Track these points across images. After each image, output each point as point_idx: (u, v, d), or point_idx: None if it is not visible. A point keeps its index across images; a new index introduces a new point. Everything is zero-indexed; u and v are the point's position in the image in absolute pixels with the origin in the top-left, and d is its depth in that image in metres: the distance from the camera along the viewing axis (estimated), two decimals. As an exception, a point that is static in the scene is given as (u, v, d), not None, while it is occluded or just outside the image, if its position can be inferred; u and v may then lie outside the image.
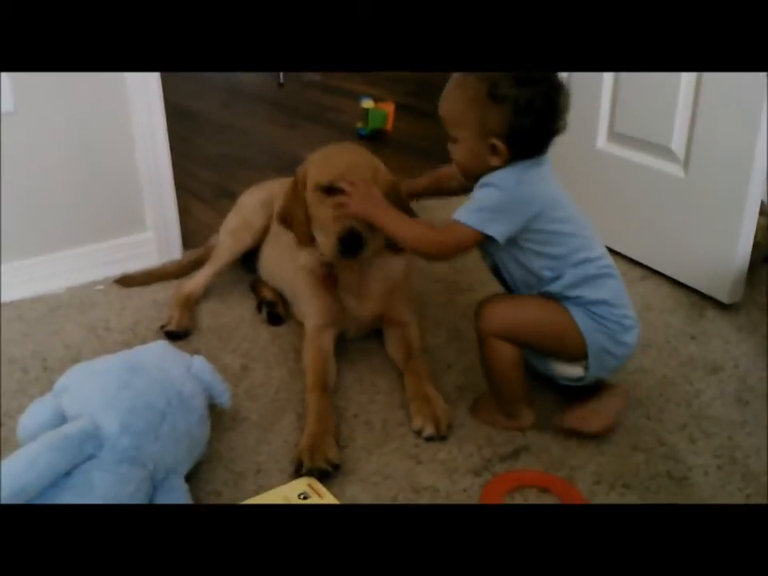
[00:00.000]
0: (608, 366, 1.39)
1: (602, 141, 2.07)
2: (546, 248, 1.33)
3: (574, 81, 2.12)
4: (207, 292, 1.90)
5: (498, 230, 1.30)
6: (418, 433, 1.40)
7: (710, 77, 1.74)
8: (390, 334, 1.65)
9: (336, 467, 1.30)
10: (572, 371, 1.40)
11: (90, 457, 1.11)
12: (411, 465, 1.34)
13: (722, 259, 1.80)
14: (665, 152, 1.89)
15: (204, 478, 1.31)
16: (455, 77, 1.36)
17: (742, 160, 1.70)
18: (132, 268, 2.03)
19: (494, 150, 1.31)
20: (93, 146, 1.94)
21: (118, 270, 2.00)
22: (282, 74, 4.37)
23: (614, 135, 2.04)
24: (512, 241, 1.33)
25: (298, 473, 1.29)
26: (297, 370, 1.60)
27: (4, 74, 1.74)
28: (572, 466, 1.33)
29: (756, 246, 1.81)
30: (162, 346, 1.35)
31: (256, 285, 1.92)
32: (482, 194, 1.32)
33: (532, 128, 1.30)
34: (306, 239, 1.56)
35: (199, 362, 1.34)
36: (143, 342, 1.65)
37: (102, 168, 1.97)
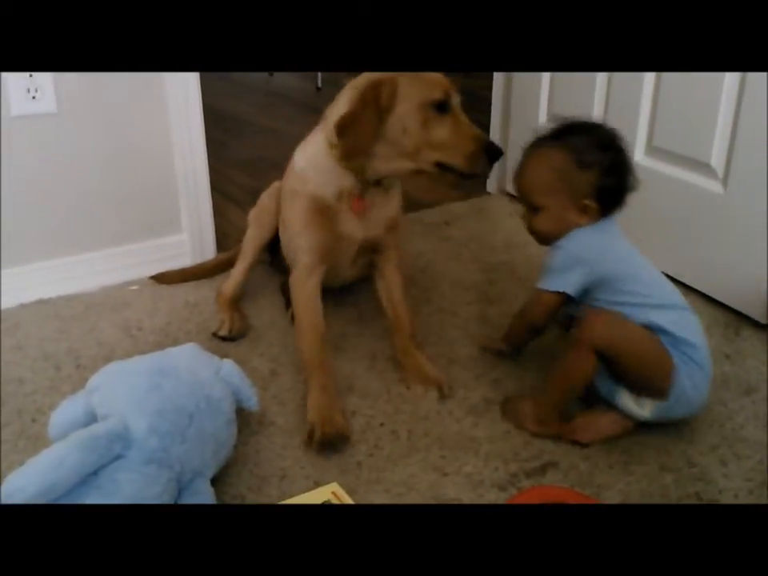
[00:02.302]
0: (674, 414, 1.40)
1: (639, 155, 2.04)
2: (627, 297, 1.39)
3: (613, 94, 2.11)
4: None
5: (567, 286, 1.42)
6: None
7: (751, 92, 1.71)
8: (378, 287, 1.74)
9: (346, 438, 1.40)
10: (637, 410, 1.40)
11: (118, 457, 1.12)
12: (436, 477, 1.33)
13: (759, 278, 1.77)
14: (704, 168, 1.86)
15: (229, 482, 1.31)
16: (531, 153, 1.48)
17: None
18: (166, 269, 2.05)
19: (585, 210, 1.42)
20: (131, 147, 1.97)
21: (152, 271, 2.03)
22: (320, 78, 4.40)
23: (652, 149, 2.01)
24: (587, 296, 1.43)
25: (310, 439, 1.39)
26: (325, 376, 1.61)
27: (47, 76, 1.78)
28: (599, 484, 1.31)
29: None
30: (192, 348, 1.37)
31: (285, 286, 1.94)
32: (552, 257, 1.45)
33: (616, 186, 1.43)
34: (362, 154, 1.51)
35: (228, 366, 1.35)
36: (175, 342, 1.67)
37: (139, 169, 2.00)
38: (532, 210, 1.47)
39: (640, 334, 1.36)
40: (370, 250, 1.69)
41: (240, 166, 3.00)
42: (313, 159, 1.61)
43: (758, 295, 1.78)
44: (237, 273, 1.90)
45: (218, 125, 3.38)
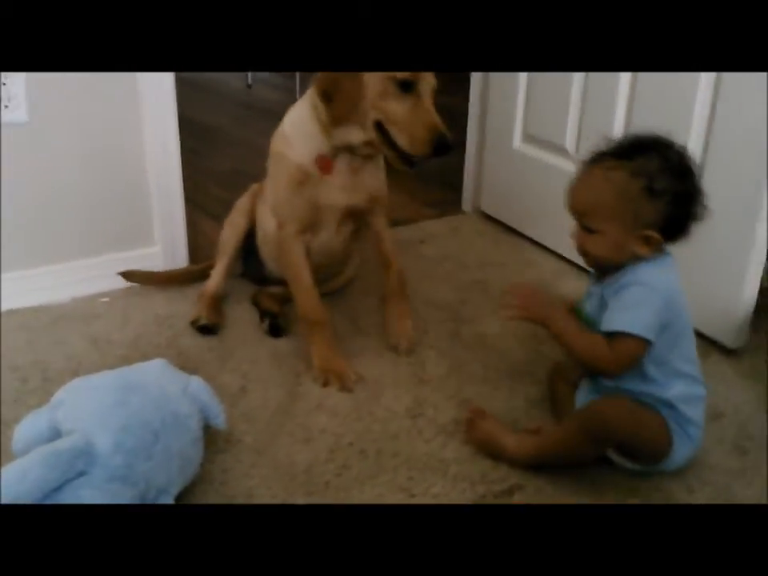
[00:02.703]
0: (658, 470, 1.39)
1: (612, 178, 2.06)
2: (666, 354, 1.33)
3: (586, 119, 2.14)
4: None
5: (652, 331, 1.28)
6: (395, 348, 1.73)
7: (720, 121, 1.74)
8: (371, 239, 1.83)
9: (350, 387, 1.62)
10: (621, 461, 1.39)
11: (82, 473, 1.11)
12: (403, 497, 1.33)
13: (727, 303, 1.79)
14: (675, 193, 1.89)
15: (194, 500, 1.30)
16: (592, 169, 1.34)
17: (751, 203, 1.70)
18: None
19: (647, 241, 1.30)
20: (104, 157, 1.95)
21: (124, 283, 2.01)
22: (298, 91, 4.40)
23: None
24: None
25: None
26: (296, 393, 1.60)
27: (20, 84, 1.76)
28: (566, 508, 1.32)
29: (763, 290, 1.80)
30: (160, 364, 1.35)
31: (257, 297, 1.96)
32: (639, 297, 1.30)
33: (686, 216, 1.32)
34: (345, 119, 1.56)
35: (196, 382, 1.33)
36: (144, 356, 1.65)
37: (112, 180, 1.98)
38: (586, 230, 1.34)
39: (651, 424, 1.33)
40: (355, 220, 1.75)
41: (215, 177, 2.99)
42: (298, 124, 1.68)
43: (727, 321, 1.81)
44: (217, 272, 1.94)
45: (192, 135, 3.37)
